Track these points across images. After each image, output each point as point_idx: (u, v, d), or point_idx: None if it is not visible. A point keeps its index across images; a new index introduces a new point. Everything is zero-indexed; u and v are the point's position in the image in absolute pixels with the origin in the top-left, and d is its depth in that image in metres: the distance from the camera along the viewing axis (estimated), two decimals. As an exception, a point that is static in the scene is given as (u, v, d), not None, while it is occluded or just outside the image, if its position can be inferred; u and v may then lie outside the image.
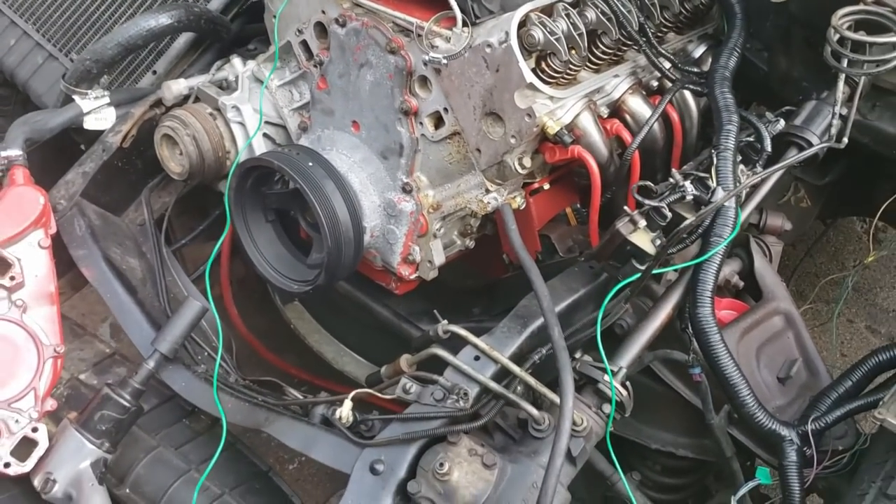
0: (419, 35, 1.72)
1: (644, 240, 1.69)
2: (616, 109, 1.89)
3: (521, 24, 1.68)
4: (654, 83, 1.94)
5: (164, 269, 2.12)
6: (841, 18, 1.51)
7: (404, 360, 1.73)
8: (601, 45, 1.80)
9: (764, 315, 1.96)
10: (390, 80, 1.82)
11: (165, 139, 2.10)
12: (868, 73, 1.60)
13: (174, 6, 2.12)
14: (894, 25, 1.48)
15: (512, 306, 1.79)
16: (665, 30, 1.98)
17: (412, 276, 2.00)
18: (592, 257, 1.81)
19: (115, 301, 1.98)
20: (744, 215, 1.80)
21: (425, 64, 1.74)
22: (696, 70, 1.93)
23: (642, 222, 1.67)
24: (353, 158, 1.94)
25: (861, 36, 1.52)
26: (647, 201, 1.66)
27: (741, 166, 1.82)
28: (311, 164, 1.83)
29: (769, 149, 1.82)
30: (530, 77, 1.64)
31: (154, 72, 2.28)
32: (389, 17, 1.80)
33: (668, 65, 1.90)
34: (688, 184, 1.70)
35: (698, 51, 2.06)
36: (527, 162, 1.76)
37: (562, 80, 1.76)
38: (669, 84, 1.89)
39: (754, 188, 1.83)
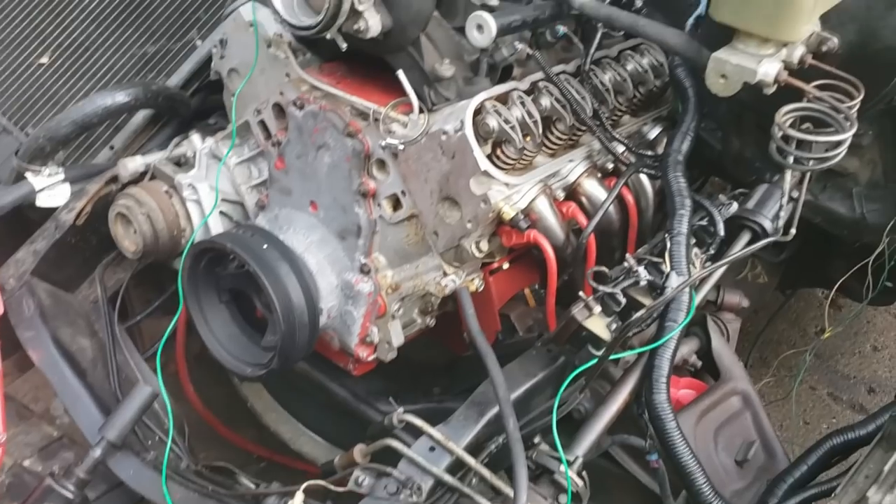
0: (376, 120, 1.72)
1: (599, 325, 1.69)
2: (572, 192, 1.91)
3: (477, 112, 1.69)
4: (610, 165, 1.96)
5: (116, 348, 2.08)
6: (784, 115, 1.53)
7: (358, 451, 1.69)
8: (556, 131, 1.82)
9: (721, 396, 1.97)
10: (348, 163, 1.82)
11: (120, 217, 2.07)
12: (811, 169, 1.63)
13: (132, 84, 2.11)
14: (835, 123, 1.51)
15: (474, 386, 1.77)
16: (620, 113, 2.01)
17: (370, 358, 1.98)
18: (550, 341, 1.80)
19: (62, 385, 1.94)
20: (698, 299, 1.81)
21: (382, 148, 1.74)
22: (650, 153, 1.95)
23: (597, 308, 1.67)
24: (310, 238, 1.93)
25: (802, 134, 1.55)
26: (601, 287, 1.66)
27: (695, 249, 1.85)
28: (265, 245, 1.82)
29: (722, 232, 1.84)
30: (485, 165, 1.65)
31: (111, 147, 2.27)
32: (347, 101, 1.81)
33: (622, 149, 1.93)
34: (641, 269, 1.71)
35: (653, 133, 2.09)
36: (484, 246, 1.76)
37: (518, 165, 1.77)
38: (623, 168, 1.91)
39: (708, 272, 1.85)
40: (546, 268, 1.83)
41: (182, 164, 2.16)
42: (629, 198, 1.95)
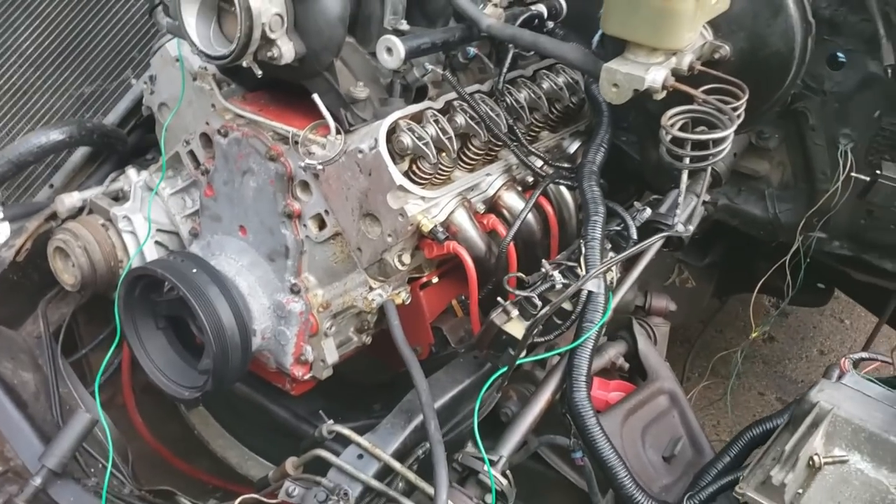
0: (296, 143, 1.79)
1: (518, 329, 1.75)
2: (493, 205, 1.98)
3: (392, 131, 1.77)
4: (530, 179, 2.04)
5: (59, 380, 2.12)
6: (670, 118, 1.62)
7: (290, 463, 1.74)
8: (472, 147, 1.90)
9: (649, 395, 2.03)
10: (272, 186, 1.89)
11: (58, 252, 2.12)
12: (701, 167, 1.71)
13: (65, 123, 2.17)
14: (719, 122, 1.60)
15: None
16: (537, 129, 2.10)
17: (306, 377, 2.03)
18: (473, 347, 1.87)
19: (2, 417, 1.96)
20: (616, 300, 1.89)
21: (303, 169, 1.81)
22: (566, 165, 2.04)
23: (514, 312, 1.74)
24: (241, 262, 1.99)
25: (686, 134, 1.64)
26: (517, 292, 1.73)
27: (611, 254, 1.92)
28: (195, 270, 1.87)
29: (635, 236, 1.92)
30: (400, 180, 1.72)
31: (51, 185, 2.32)
32: (268, 126, 1.88)
33: (539, 162, 2.01)
34: (556, 273, 1.78)
35: (572, 147, 2.18)
36: (406, 259, 1.83)
37: (436, 179, 1.85)
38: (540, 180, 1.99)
39: (624, 274, 1.93)
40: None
41: (119, 198, 2.22)
42: (548, 208, 2.03)
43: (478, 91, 1.97)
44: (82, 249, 2.08)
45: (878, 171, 1.83)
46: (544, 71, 2.12)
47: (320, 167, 1.77)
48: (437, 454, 1.55)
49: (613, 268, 1.93)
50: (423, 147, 1.74)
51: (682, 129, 1.65)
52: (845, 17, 1.87)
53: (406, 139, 1.74)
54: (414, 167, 1.78)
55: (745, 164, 2.18)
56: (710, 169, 2.06)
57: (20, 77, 2.40)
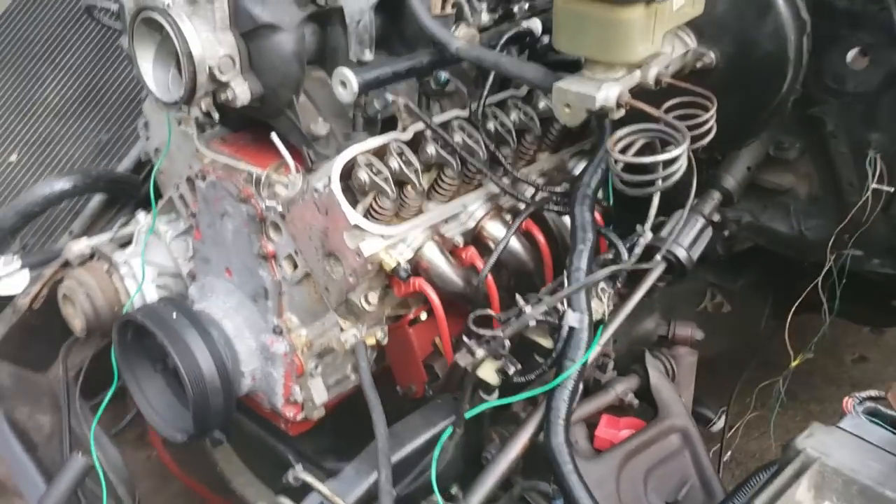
0: (258, 184, 1.76)
1: (486, 370, 1.65)
2: (477, 236, 1.88)
3: (353, 167, 1.71)
4: (522, 206, 1.93)
5: (74, 422, 2.17)
6: (615, 143, 1.48)
7: (261, 508, 1.70)
8: (445, 178, 1.81)
9: (657, 434, 1.86)
10: (247, 228, 1.86)
11: (65, 298, 2.17)
12: (648, 192, 1.55)
13: (71, 172, 2.24)
14: (672, 139, 1.45)
15: None
16: (527, 152, 1.98)
17: (298, 418, 1.99)
18: (441, 389, 1.77)
19: (11, 459, 2.02)
20: (608, 334, 1.75)
21: (266, 211, 1.78)
22: (557, 190, 1.91)
23: (480, 352, 1.64)
24: (228, 304, 1.98)
25: (633, 158, 1.49)
26: (481, 331, 1.63)
27: (602, 284, 1.79)
28: (174, 314, 1.87)
29: (628, 265, 1.78)
30: (355, 219, 1.65)
31: (71, 232, 2.39)
32: (239, 168, 1.86)
33: (529, 188, 1.90)
34: (528, 308, 1.67)
35: (578, 167, 2.05)
36: (373, 299, 1.76)
37: (404, 213, 1.77)
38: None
39: (616, 308, 1.79)
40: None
41: (128, 243, 2.25)
42: (538, 236, 1.91)
43: (456, 117, 1.88)
44: (85, 295, 2.12)
45: (898, 183, 1.61)
46: (540, 90, 2.00)
47: (279, 208, 1.73)
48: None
49: (605, 299, 1.80)
50: (381, 183, 1.67)
51: (638, 150, 1.50)
52: (864, 7, 1.67)
53: (363, 175, 1.68)
54: (374, 203, 1.71)
55: (766, 177, 1.98)
56: (719, 187, 1.90)
57: (46, 128, 2.50)
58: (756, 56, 1.62)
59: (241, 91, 1.68)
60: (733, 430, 2.45)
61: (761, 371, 3.47)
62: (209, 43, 1.63)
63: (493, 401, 1.66)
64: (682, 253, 1.79)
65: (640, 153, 1.49)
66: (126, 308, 2.11)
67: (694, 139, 1.47)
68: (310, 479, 1.65)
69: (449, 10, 1.84)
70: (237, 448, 2.49)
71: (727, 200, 1.88)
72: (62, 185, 2.19)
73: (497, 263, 1.96)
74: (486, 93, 1.86)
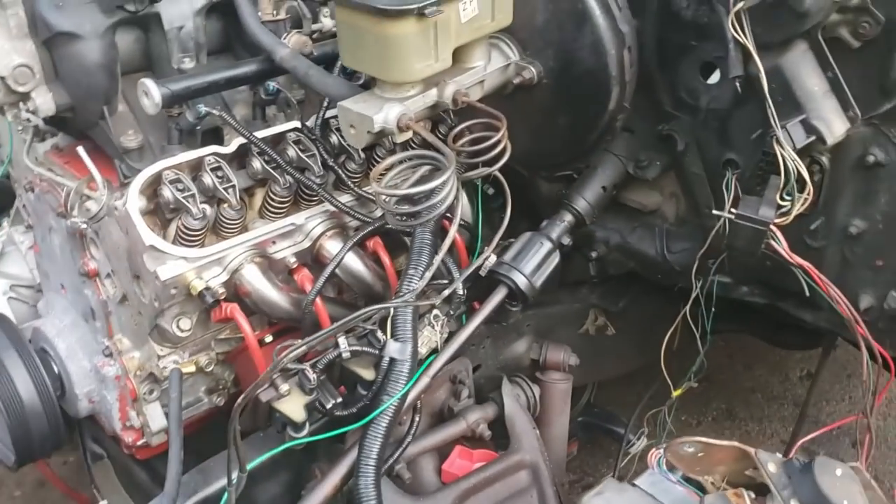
0: (67, 198, 1.67)
1: (294, 405, 1.54)
2: (316, 257, 1.77)
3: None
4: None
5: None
6: (378, 175, 1.35)
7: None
8: (273, 194, 1.70)
9: (504, 469, 1.74)
10: (70, 244, 1.77)
11: (-84, 309, 2.10)
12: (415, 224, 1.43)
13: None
14: (440, 164, 1.32)
15: None
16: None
17: (139, 443, 1.89)
18: (250, 425, 1.66)
19: None
20: (434, 367, 1.63)
21: (76, 227, 1.68)
22: (405, 209, 1.79)
23: (284, 387, 1.53)
24: (64, 322, 1.88)
25: (392, 191, 1.37)
26: (289, 365, 1.52)
27: (436, 311, 1.67)
28: (-6, 335, 1.78)
29: (461, 292, 1.66)
30: (150, 239, 1.54)
31: (-60, 239, 2.31)
32: (61, 182, 1.76)
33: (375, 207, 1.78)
34: (342, 340, 1.55)
35: (442, 182, 1.93)
36: (185, 324, 1.65)
37: (225, 233, 1.66)
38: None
39: (451, 335, 1.67)
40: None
41: (-5, 252, 2.18)
42: (385, 258, 1.79)
43: (294, 129, 1.76)
44: (-67, 307, 2.05)
45: (732, 210, 1.46)
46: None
47: (83, 226, 1.63)
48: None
49: (438, 327, 1.68)
50: (185, 201, 1.56)
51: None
52: (709, 18, 1.53)
53: (166, 192, 1.57)
54: (181, 223, 1.60)
55: (631, 196, 1.85)
56: (570, 208, 1.77)
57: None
58: (577, 71, 1.49)
59: (42, 102, 1.59)
60: (624, 457, 2.31)
61: (701, 386, 3.34)
62: (2, 52, 1.53)
63: (300, 438, 1.56)
64: (520, 279, 1.67)
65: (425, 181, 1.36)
66: (-33, 322, 2.02)
67: (490, 162, 1.34)
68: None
69: (282, 14, 1.73)
70: (115, 466, 2.42)
71: (579, 223, 1.74)
72: (-86, 192, 2.11)
73: (339, 286, 1.86)
74: (326, 103, 1.75)
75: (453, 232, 1.46)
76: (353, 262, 1.76)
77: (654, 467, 1.29)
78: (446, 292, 1.54)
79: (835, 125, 1.40)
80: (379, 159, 1.87)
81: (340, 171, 1.75)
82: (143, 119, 1.70)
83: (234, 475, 1.46)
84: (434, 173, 1.36)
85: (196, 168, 1.64)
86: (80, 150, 1.64)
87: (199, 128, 1.68)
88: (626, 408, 2.63)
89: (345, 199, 1.76)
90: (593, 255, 1.91)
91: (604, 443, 2.93)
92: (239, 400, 1.37)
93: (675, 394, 1.99)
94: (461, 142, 1.40)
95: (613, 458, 2.41)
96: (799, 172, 1.40)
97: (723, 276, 1.76)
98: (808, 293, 1.50)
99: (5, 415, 1.74)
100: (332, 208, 1.76)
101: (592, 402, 2.78)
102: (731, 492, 1.15)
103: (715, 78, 1.58)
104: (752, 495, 1.15)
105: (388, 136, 1.34)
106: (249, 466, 1.44)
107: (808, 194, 1.43)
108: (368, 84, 1.52)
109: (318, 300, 1.68)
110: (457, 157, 1.40)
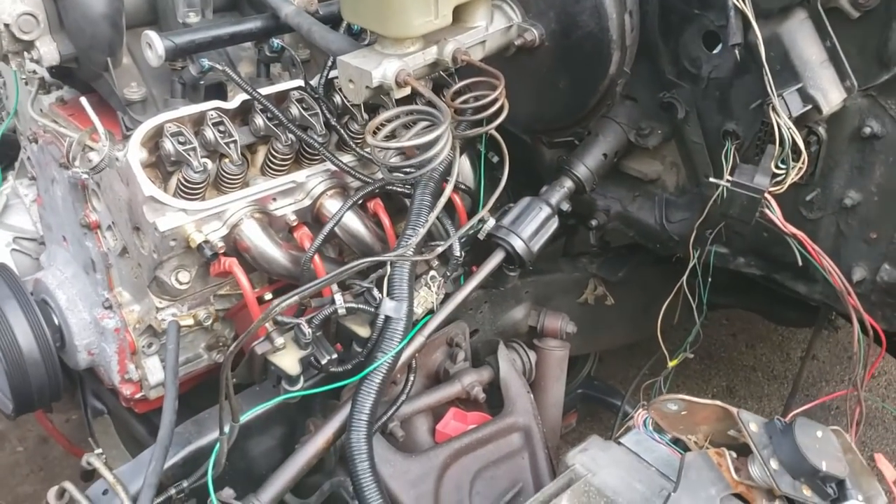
0: (69, 149, 1.68)
1: (289, 359, 1.56)
2: (317, 215, 1.78)
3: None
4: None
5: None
6: (374, 129, 1.35)
7: (51, 493, 1.63)
8: (275, 151, 1.71)
9: (496, 431, 1.76)
10: (71, 195, 1.78)
11: (-79, 259, 2.13)
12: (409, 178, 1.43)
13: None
14: (435, 120, 1.32)
15: None
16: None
17: (137, 396, 1.92)
18: (244, 378, 1.68)
19: None
20: (429, 327, 1.65)
21: (78, 178, 1.69)
22: (400, 164, 1.79)
23: (280, 340, 1.55)
24: (65, 274, 1.90)
25: (384, 143, 1.37)
26: (284, 319, 1.54)
27: (433, 272, 1.68)
28: (-4, 283, 1.80)
29: (458, 254, 1.67)
30: (150, 190, 1.56)
31: (-51, 191, 2.34)
32: (64, 133, 1.77)
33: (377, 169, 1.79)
34: (338, 297, 1.57)
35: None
36: (184, 277, 1.67)
37: (225, 188, 1.67)
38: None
39: (448, 297, 1.69)
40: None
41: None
42: (385, 219, 1.80)
43: (298, 88, 1.76)
44: (-63, 257, 2.07)
45: (728, 178, 1.46)
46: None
47: (84, 176, 1.64)
48: (142, 498, 1.40)
49: (435, 288, 1.70)
50: (186, 154, 1.58)
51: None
52: (712, -16, 1.52)
53: (168, 145, 1.58)
54: (182, 176, 1.62)
55: (632, 165, 1.85)
56: (570, 175, 1.77)
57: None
58: (578, 34, 1.49)
59: (47, 51, 1.60)
60: (619, 428, 2.32)
61: (702, 363, 3.36)
62: (7, 1, 1.54)
63: (294, 391, 1.57)
64: (518, 243, 1.68)
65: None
66: (-29, 272, 2.05)
67: (487, 121, 1.34)
68: (98, 464, 1.58)
69: (289, -29, 1.73)
70: (115, 421, 2.44)
71: (578, 189, 1.75)
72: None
73: (341, 246, 1.87)
74: (329, 62, 1.75)
75: (450, 189, 1.47)
76: (353, 221, 1.77)
77: (640, 427, 1.30)
78: (441, 248, 1.54)
79: (831, 95, 1.40)
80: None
81: (343, 132, 1.76)
82: (146, 72, 1.71)
83: (227, 427, 1.48)
84: (430, 129, 1.36)
85: (198, 122, 1.65)
86: (83, 100, 1.65)
87: (202, 82, 1.69)
88: (627, 383, 2.65)
89: (346, 159, 1.77)
90: (593, 223, 1.91)
91: (603, 416, 2.95)
92: (231, 347, 1.39)
93: (672, 364, 2.00)
94: (459, 100, 1.40)
95: (612, 431, 2.42)
96: (794, 141, 1.40)
97: (720, 247, 1.77)
98: (801, 263, 1.50)
99: (4, 363, 1.76)
100: (334, 168, 1.77)
101: (593, 375, 2.81)
102: (712, 450, 1.16)
103: (718, 48, 1.57)
104: (734, 455, 1.16)
105: (387, 91, 1.35)
106: (243, 418, 1.46)
107: (803, 163, 1.43)
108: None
109: (316, 258, 1.70)
110: (454, 115, 1.40)
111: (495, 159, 2.00)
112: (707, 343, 3.20)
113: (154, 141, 1.62)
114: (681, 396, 1.18)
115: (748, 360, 3.41)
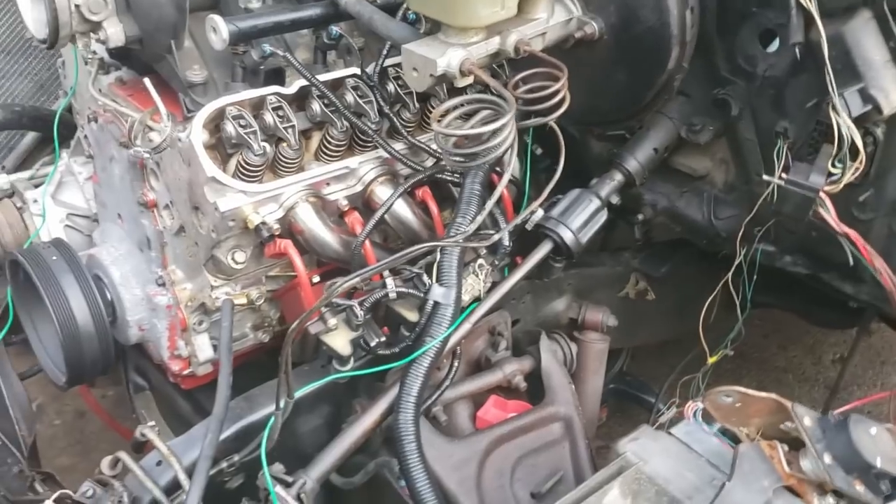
0: (131, 129, 1.72)
1: (340, 340, 1.59)
2: (367, 201, 1.81)
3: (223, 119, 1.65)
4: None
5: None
6: (439, 115, 1.38)
7: (104, 462, 1.67)
8: (330, 138, 1.74)
9: (537, 420, 1.78)
10: (130, 174, 1.83)
11: (-22, 235, 2.18)
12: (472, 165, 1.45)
13: (-4, 106, 2.23)
14: (500, 110, 1.35)
15: None
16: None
17: (185, 372, 1.96)
18: (297, 357, 1.72)
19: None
20: (477, 314, 1.67)
21: (140, 157, 1.73)
22: (462, 150, 1.81)
23: (333, 321, 1.58)
24: (119, 251, 1.95)
25: (452, 130, 1.39)
26: (338, 301, 1.57)
27: (481, 260, 1.71)
28: (54, 257, 1.84)
29: (507, 243, 1.70)
30: (212, 171, 1.59)
31: (3, 167, 2.39)
32: (125, 113, 1.81)
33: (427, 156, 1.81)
34: (390, 281, 1.60)
35: (493, 136, 1.95)
36: (240, 257, 1.70)
37: (282, 171, 1.71)
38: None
39: (494, 286, 1.71)
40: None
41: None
42: (433, 207, 1.83)
43: (353, 75, 1.79)
44: (-5, 232, 2.12)
45: (782, 175, 1.47)
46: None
47: (146, 155, 1.68)
48: (199, 469, 1.44)
49: (482, 276, 1.72)
50: (247, 137, 1.61)
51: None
52: (772, -18, 1.53)
53: (229, 128, 1.62)
54: (242, 158, 1.65)
55: (681, 160, 1.86)
56: (620, 168, 1.79)
57: (-12, 65, 2.49)
58: (638, 29, 1.51)
59: (113, 32, 1.63)
60: (652, 424, 2.34)
61: (734, 363, 3.35)
62: (78, -19, 1.58)
63: (345, 372, 1.61)
64: (567, 234, 1.70)
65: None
66: (28, 246, 2.10)
67: (547, 112, 1.36)
68: (152, 436, 1.62)
69: (349, -39, 1.75)
70: (157, 397, 2.49)
71: (629, 183, 1.76)
72: (-22, 119, 2.18)
73: (386, 232, 1.90)
74: (385, 51, 1.78)
75: (506, 179, 1.49)
76: (402, 208, 1.80)
77: (691, 418, 1.32)
78: (494, 238, 1.57)
79: (893, 95, 1.41)
80: (433, 110, 1.90)
81: (395, 119, 1.79)
82: (208, 55, 1.74)
83: (282, 402, 1.52)
84: (492, 119, 1.39)
85: (258, 106, 1.68)
86: (147, 81, 1.68)
87: (262, 67, 1.72)
88: (659, 381, 2.66)
89: (398, 146, 1.80)
90: (640, 217, 1.93)
91: (633, 412, 2.96)
92: (293, 326, 1.42)
93: (711, 360, 2.01)
94: (520, 90, 1.42)
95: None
96: (853, 141, 1.41)
97: (767, 245, 1.78)
98: (851, 262, 1.51)
99: (61, 335, 1.81)
100: (385, 155, 1.80)
101: (625, 371, 2.82)
102: (764, 443, 1.17)
103: (774, 46, 1.58)
104: (786, 448, 1.17)
105: (449, 80, 1.37)
106: (297, 394, 1.49)
107: (860, 163, 1.44)
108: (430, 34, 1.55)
109: (366, 243, 1.73)
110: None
111: (539, 151, 2.02)
112: (739, 343, 3.21)
113: (215, 123, 1.65)
114: (736, 388, 1.19)
115: (780, 361, 3.40)
